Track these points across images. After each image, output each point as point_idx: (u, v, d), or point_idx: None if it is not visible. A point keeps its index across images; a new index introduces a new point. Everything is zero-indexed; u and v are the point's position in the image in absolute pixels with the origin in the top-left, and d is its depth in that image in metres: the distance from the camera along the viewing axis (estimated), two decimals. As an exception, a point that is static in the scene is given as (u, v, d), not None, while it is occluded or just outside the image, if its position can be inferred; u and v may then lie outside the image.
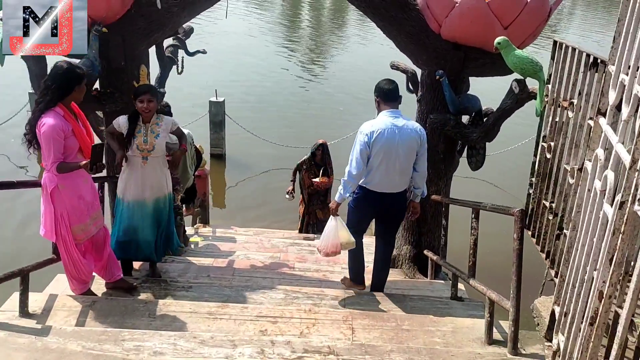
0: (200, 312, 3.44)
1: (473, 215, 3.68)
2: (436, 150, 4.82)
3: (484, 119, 4.69)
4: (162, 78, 5.80)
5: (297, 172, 6.77)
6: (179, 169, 5.72)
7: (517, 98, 3.94)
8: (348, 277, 4.32)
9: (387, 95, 3.84)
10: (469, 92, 4.76)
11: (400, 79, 4.48)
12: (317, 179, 6.58)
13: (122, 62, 4.34)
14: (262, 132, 10.70)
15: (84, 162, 3.22)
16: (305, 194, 6.80)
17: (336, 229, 3.79)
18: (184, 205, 5.95)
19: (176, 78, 6.27)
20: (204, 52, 6.22)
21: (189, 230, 6.96)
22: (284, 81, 15.91)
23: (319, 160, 6.60)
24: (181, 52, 6.02)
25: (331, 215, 3.87)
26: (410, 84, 5.34)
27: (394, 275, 5.09)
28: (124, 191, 3.92)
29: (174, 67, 5.85)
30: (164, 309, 3.47)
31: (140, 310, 3.44)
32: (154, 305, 3.50)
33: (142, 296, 3.80)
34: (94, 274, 3.77)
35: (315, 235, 6.92)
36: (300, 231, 7.05)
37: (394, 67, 5.45)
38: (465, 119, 4.87)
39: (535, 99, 3.80)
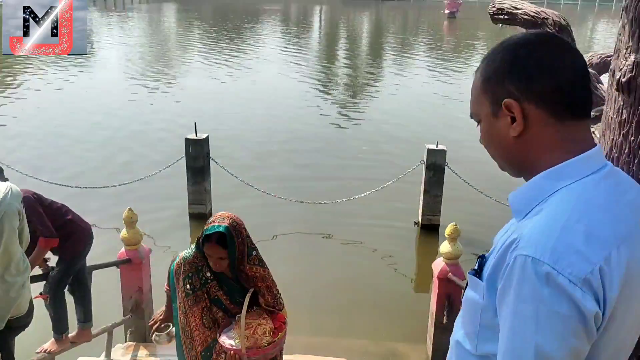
0: None
1: None
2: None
3: None
4: None
5: (174, 284, 2.41)
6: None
7: None
8: None
9: (569, 96, 0.89)
10: None
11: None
12: (229, 341, 2.26)
13: None
14: (259, 182, 7.57)
15: None
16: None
17: None
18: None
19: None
20: None
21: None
22: (292, 115, 12.85)
23: (221, 268, 2.28)
24: None
25: None
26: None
27: None
28: None
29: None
30: None
31: None
32: None
33: None
34: None
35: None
36: None
37: (499, 17, 2.17)
38: None
39: None
